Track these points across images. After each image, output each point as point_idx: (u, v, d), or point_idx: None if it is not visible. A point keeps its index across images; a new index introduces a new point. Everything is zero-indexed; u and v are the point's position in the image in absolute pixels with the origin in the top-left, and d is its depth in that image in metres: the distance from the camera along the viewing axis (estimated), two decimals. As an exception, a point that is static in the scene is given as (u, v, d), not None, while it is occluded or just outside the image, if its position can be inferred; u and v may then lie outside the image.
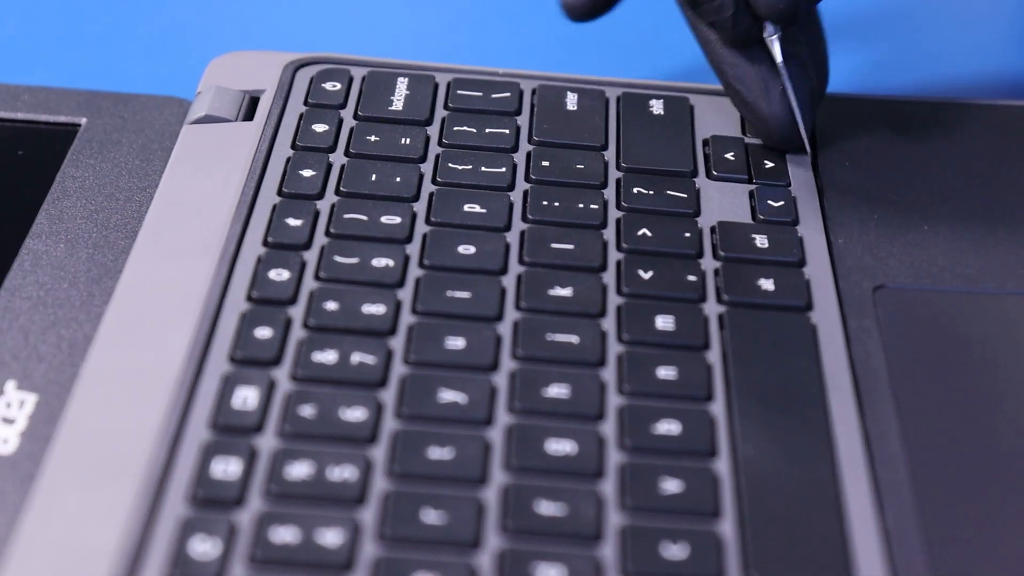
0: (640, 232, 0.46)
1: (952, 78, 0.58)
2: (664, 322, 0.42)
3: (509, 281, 0.43)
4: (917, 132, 0.51)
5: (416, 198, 0.46)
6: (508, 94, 0.51)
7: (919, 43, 0.60)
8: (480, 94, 0.51)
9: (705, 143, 0.50)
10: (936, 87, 0.57)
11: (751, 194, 0.48)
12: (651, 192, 0.47)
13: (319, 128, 0.49)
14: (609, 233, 0.46)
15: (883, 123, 0.51)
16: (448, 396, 0.40)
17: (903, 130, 0.51)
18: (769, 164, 0.49)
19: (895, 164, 0.49)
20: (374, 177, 0.47)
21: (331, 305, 0.42)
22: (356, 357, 0.40)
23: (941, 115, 0.52)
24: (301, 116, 0.49)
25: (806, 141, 0.49)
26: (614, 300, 0.43)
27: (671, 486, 0.38)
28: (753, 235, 0.46)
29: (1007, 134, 0.51)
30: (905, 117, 0.51)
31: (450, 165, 0.48)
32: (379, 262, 0.44)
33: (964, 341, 0.43)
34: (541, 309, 0.43)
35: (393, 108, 0.50)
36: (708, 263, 0.45)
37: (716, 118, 0.51)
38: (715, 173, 0.48)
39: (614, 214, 0.46)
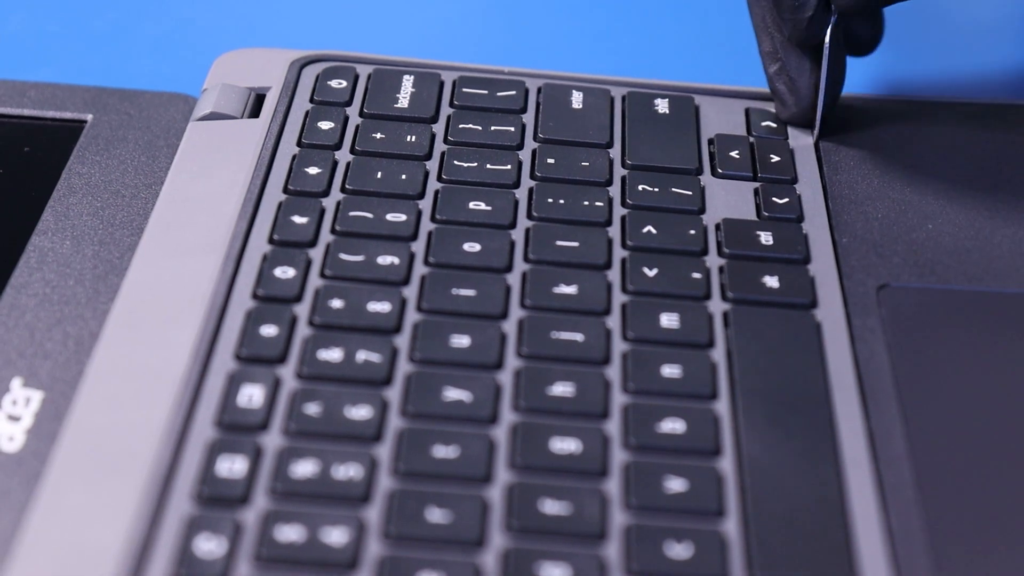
0: (645, 229, 0.46)
1: (956, 78, 0.58)
2: (669, 320, 0.42)
3: (514, 279, 0.43)
4: (922, 131, 0.51)
5: (421, 196, 0.46)
6: (514, 92, 0.51)
7: (924, 44, 0.60)
8: (486, 92, 0.51)
9: (710, 142, 0.50)
10: (940, 87, 0.57)
11: (756, 191, 0.48)
12: (656, 189, 0.47)
13: (325, 125, 0.49)
14: (614, 230, 0.46)
15: (888, 122, 0.51)
16: (453, 394, 0.40)
17: (908, 129, 0.51)
18: (775, 161, 0.49)
19: (900, 163, 0.49)
20: (379, 175, 0.47)
21: (336, 303, 0.42)
22: (361, 355, 0.40)
23: (946, 115, 0.52)
24: (307, 113, 0.50)
25: (818, 119, 0.49)
26: (619, 298, 0.43)
27: (675, 485, 0.38)
28: (758, 232, 0.46)
29: (1012, 134, 0.51)
30: (910, 117, 0.51)
31: (455, 163, 0.48)
32: (384, 260, 0.44)
33: (968, 340, 0.43)
34: (546, 307, 0.43)
35: (399, 106, 0.50)
36: (713, 260, 0.45)
37: (721, 117, 0.51)
38: (720, 171, 0.49)
39: (619, 211, 0.46)
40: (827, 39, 0.48)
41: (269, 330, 0.41)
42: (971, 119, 0.51)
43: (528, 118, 0.50)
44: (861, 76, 0.56)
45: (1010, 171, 0.49)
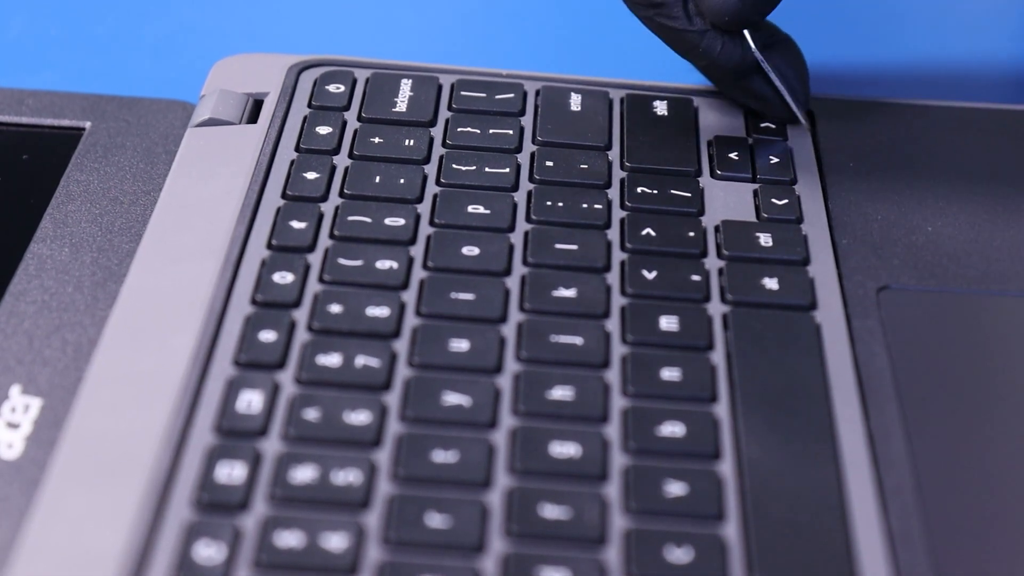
0: (644, 232, 0.45)
1: (957, 82, 0.58)
2: (668, 323, 0.42)
3: (513, 282, 0.43)
4: (922, 134, 0.51)
5: (420, 200, 0.46)
6: (512, 95, 0.51)
7: (924, 46, 0.60)
8: (484, 95, 0.51)
9: (709, 143, 0.50)
10: (941, 91, 0.57)
11: (755, 193, 0.48)
12: (655, 191, 0.47)
13: (323, 130, 0.49)
14: (613, 233, 0.46)
15: (888, 125, 0.51)
16: (452, 399, 0.40)
17: (908, 133, 0.51)
18: (774, 163, 0.49)
19: (900, 166, 0.49)
20: (378, 179, 0.47)
21: (335, 308, 0.42)
22: (360, 360, 0.40)
23: (946, 119, 0.52)
24: (305, 118, 0.49)
25: (799, 113, 0.50)
26: (618, 301, 0.43)
27: (675, 489, 0.38)
28: (757, 234, 0.46)
29: (1012, 138, 0.51)
30: (910, 119, 0.51)
31: (454, 166, 0.48)
32: (383, 264, 0.44)
33: (968, 343, 0.43)
34: (545, 310, 0.43)
35: (397, 110, 0.50)
36: (712, 262, 0.45)
37: (720, 119, 0.51)
38: (719, 172, 0.48)
39: (618, 214, 0.46)
40: (756, 54, 0.48)
41: (268, 335, 0.41)
42: (971, 123, 0.51)
43: (526, 121, 0.50)
44: (863, 79, 0.56)
45: (1010, 175, 0.49)
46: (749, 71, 0.49)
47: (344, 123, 0.49)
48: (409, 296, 0.43)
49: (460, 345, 0.41)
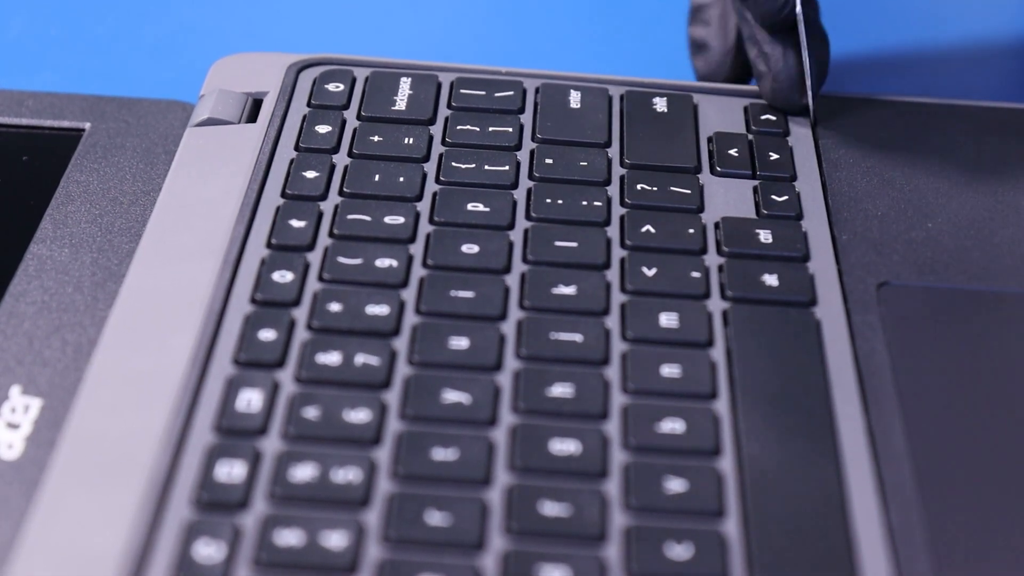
0: (644, 229, 0.45)
1: (957, 79, 0.58)
2: (668, 319, 0.42)
3: (513, 280, 0.43)
4: (922, 132, 0.51)
5: (419, 198, 0.46)
6: (511, 92, 0.51)
7: (924, 44, 0.60)
8: (483, 93, 0.51)
9: (709, 140, 0.50)
10: (941, 88, 0.57)
11: (755, 189, 0.48)
12: (655, 189, 0.47)
13: (322, 129, 0.49)
14: (613, 230, 0.46)
15: (889, 122, 0.51)
16: (452, 396, 0.40)
17: (908, 130, 0.51)
18: (774, 159, 0.49)
19: (900, 162, 0.49)
20: (377, 177, 0.47)
21: (335, 306, 0.42)
22: (360, 358, 0.40)
23: (945, 116, 0.51)
24: (304, 117, 0.49)
25: (809, 95, 0.49)
26: (618, 298, 0.43)
27: (675, 485, 0.38)
28: (757, 230, 0.46)
29: (1012, 136, 0.51)
30: (910, 117, 0.51)
31: (453, 164, 0.48)
32: (383, 262, 0.44)
33: (968, 339, 0.43)
34: (545, 307, 0.43)
35: (396, 108, 0.50)
36: (712, 259, 0.45)
37: (720, 116, 0.51)
38: (719, 169, 0.48)
39: (618, 211, 0.46)
40: (799, 9, 0.48)
41: (267, 334, 0.41)
42: (971, 120, 0.51)
43: (526, 118, 0.50)
44: (862, 77, 0.56)
45: (1010, 172, 0.49)
46: (780, 26, 0.48)
47: (343, 122, 0.49)
48: (409, 294, 0.43)
49: (460, 343, 0.41)
